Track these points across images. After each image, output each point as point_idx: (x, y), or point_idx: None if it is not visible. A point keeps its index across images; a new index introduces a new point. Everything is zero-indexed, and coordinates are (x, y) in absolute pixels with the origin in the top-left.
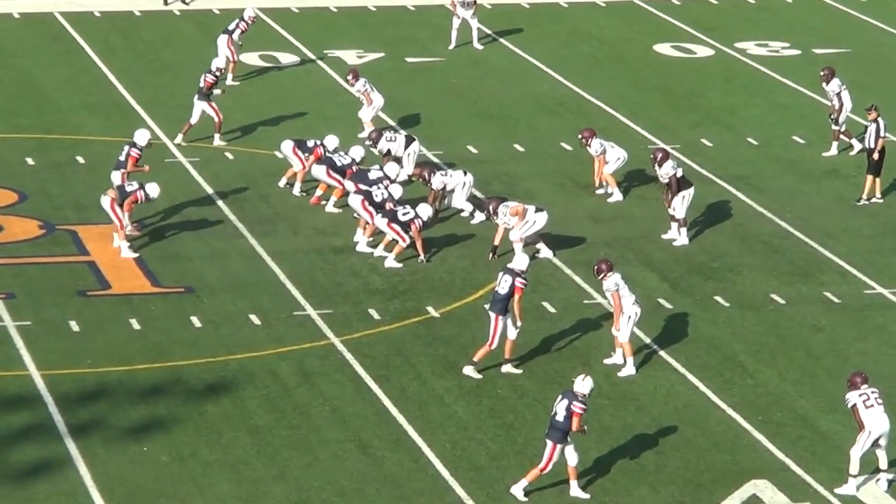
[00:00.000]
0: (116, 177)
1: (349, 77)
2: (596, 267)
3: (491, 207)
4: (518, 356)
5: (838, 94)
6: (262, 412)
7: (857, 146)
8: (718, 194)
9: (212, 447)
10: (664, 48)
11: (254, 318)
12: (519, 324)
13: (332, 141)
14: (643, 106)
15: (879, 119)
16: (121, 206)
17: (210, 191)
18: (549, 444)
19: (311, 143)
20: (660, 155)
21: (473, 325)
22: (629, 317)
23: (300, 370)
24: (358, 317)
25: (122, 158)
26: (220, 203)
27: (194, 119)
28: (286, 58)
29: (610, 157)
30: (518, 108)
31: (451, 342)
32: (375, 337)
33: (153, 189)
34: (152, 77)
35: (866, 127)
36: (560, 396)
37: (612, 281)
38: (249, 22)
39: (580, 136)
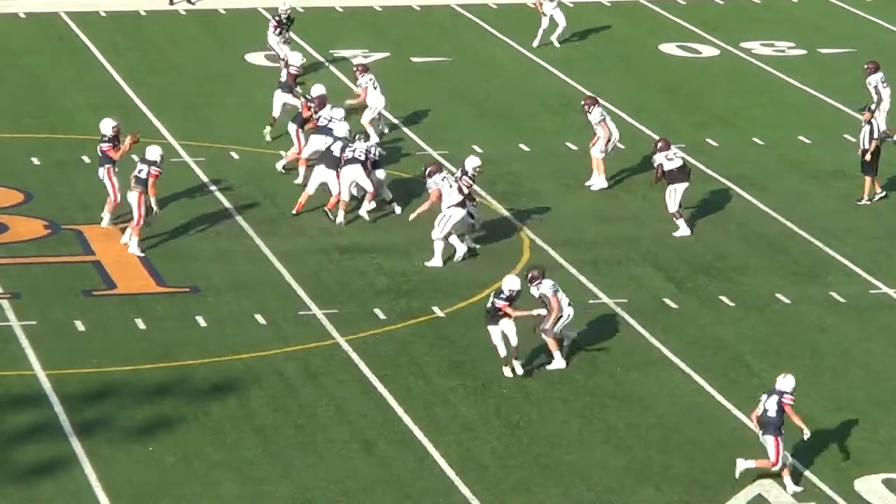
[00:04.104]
0: (142, 172)
1: (357, 69)
2: (529, 275)
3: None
4: (523, 356)
5: (875, 88)
6: (268, 412)
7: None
8: (724, 194)
9: (217, 447)
10: (669, 48)
11: (259, 318)
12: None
13: (317, 89)
14: (649, 106)
15: (873, 120)
16: (145, 192)
17: (215, 191)
18: (771, 438)
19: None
20: (660, 144)
21: (478, 325)
22: (561, 318)
23: (305, 370)
24: (363, 316)
25: (141, 176)
26: (225, 203)
27: (276, 112)
28: (292, 58)
29: (602, 132)
30: (523, 107)
31: (457, 342)
32: (381, 337)
33: (153, 153)
34: (157, 77)
35: (861, 127)
36: (766, 396)
37: (548, 285)
38: (283, 18)
39: (583, 102)
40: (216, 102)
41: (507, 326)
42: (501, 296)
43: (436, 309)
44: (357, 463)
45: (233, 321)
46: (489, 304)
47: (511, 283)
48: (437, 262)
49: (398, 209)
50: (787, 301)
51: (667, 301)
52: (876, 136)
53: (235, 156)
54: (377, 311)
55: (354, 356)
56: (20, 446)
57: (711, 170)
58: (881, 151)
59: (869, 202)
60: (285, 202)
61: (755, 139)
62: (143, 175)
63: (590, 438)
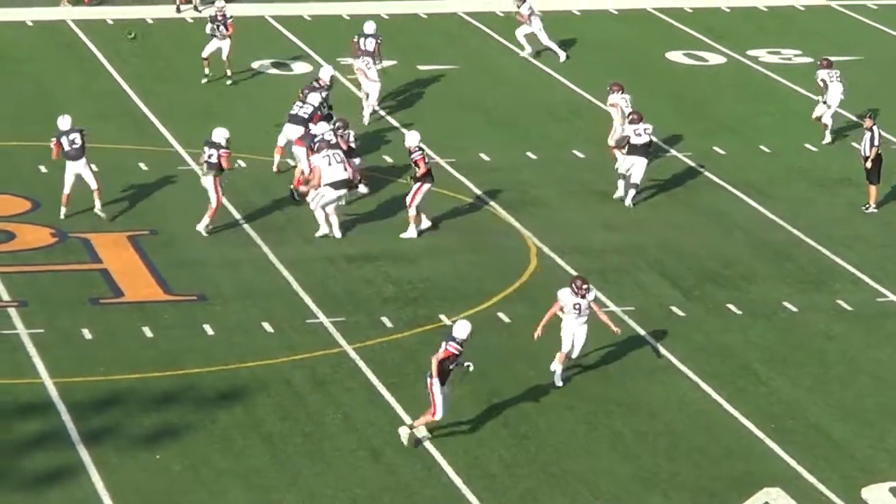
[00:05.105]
0: (212, 157)
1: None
2: (576, 284)
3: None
4: (531, 364)
5: (823, 81)
6: (275, 420)
7: (828, 138)
8: (730, 202)
9: (224, 455)
10: (676, 56)
11: (266, 326)
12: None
13: (326, 72)
14: (655, 113)
15: (874, 127)
16: (219, 174)
17: (223, 198)
18: None
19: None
20: (633, 116)
21: (485, 333)
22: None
23: (313, 378)
24: (370, 325)
25: (212, 161)
26: (232, 211)
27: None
28: (299, 66)
29: (618, 118)
30: (530, 115)
31: (464, 351)
32: (388, 345)
33: (220, 134)
34: (164, 85)
35: (863, 135)
36: None
37: (594, 294)
38: (218, 15)
39: (608, 86)
40: (223, 110)
41: (447, 389)
42: (455, 341)
43: (443, 317)
44: (365, 471)
45: (240, 329)
46: (448, 357)
47: (465, 328)
48: (323, 230)
49: (364, 189)
50: (794, 309)
51: (674, 309)
52: (876, 142)
53: (242, 164)
54: (384, 319)
55: (362, 364)
56: (28, 454)
57: (718, 177)
58: (882, 159)
59: (876, 209)
60: (292, 210)
61: (762, 147)
62: (213, 160)
63: (597, 446)
